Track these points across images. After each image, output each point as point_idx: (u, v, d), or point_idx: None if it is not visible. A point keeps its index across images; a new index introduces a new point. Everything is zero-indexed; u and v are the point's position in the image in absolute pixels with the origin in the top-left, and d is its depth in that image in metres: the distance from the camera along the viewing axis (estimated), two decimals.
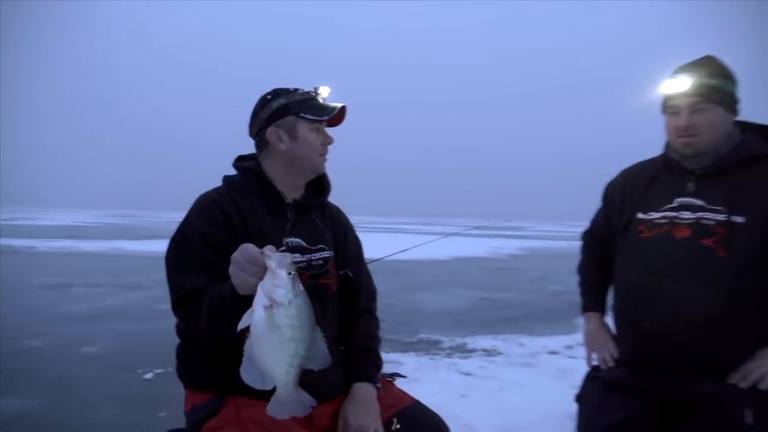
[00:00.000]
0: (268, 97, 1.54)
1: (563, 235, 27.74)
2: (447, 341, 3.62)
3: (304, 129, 1.49)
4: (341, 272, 1.58)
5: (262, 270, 1.10)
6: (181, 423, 1.72)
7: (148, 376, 2.69)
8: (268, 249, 1.10)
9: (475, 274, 8.14)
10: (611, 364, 1.81)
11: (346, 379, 1.55)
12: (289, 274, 1.08)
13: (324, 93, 1.56)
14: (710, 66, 1.58)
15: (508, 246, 15.74)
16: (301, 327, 1.09)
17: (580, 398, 1.84)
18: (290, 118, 1.49)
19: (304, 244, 1.52)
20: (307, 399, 1.15)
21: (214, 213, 1.44)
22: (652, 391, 1.65)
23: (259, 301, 1.08)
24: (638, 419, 1.62)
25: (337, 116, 1.54)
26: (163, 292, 4.65)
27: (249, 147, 1.61)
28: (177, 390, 2.49)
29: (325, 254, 1.55)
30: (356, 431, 1.45)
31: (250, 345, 1.10)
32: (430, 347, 3.45)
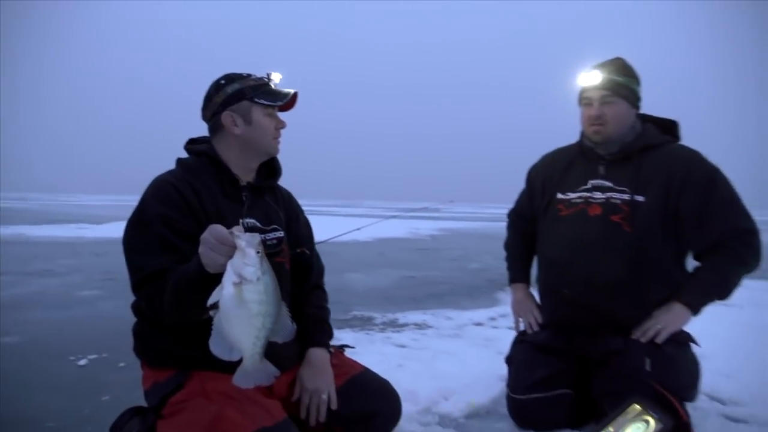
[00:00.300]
0: (222, 81, 1.59)
1: (478, 216, 28.86)
2: (379, 317, 3.79)
3: (258, 114, 1.57)
4: (299, 250, 1.69)
5: (231, 249, 1.16)
6: (124, 405, 1.76)
7: (83, 362, 2.61)
8: (237, 229, 1.18)
9: (398, 254, 8.38)
10: (536, 328, 2.05)
11: (301, 351, 1.67)
12: (258, 253, 1.15)
13: (276, 79, 1.65)
14: (618, 65, 1.84)
15: (426, 227, 16.19)
16: (269, 302, 1.17)
17: (509, 360, 2.07)
18: (245, 103, 1.56)
19: (258, 224, 1.61)
20: (271, 369, 1.25)
21: (171, 195, 1.49)
22: (572, 350, 1.91)
23: (229, 278, 1.16)
24: (560, 374, 1.87)
25: (289, 101, 1.62)
26: (79, 278, 4.53)
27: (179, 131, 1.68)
28: (116, 375, 2.49)
29: (279, 234, 1.65)
30: (312, 393, 1.58)
31: (218, 319, 1.17)
32: (364, 323, 3.60)
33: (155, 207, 1.48)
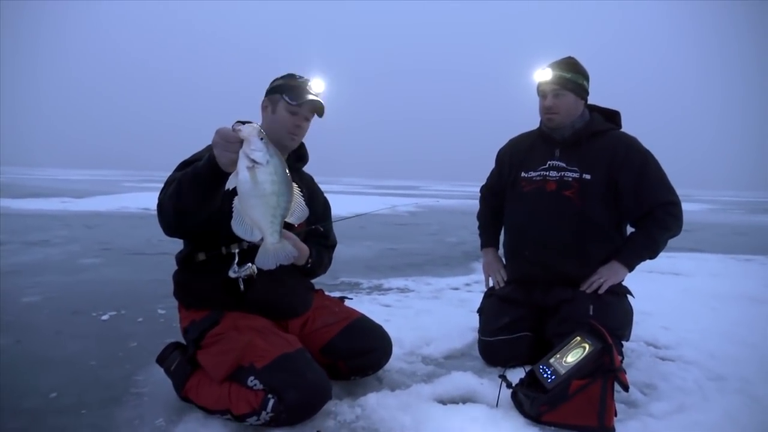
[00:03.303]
0: (278, 77, 1.90)
1: (456, 193, 29.33)
2: (365, 282, 4.16)
3: (282, 108, 1.84)
4: (314, 227, 2.01)
5: (238, 143, 1.30)
6: (151, 350, 2.12)
7: (105, 317, 2.91)
8: (236, 124, 1.34)
9: (379, 228, 8.73)
10: (502, 284, 2.44)
11: (311, 299, 2.03)
12: (262, 139, 1.30)
13: (315, 86, 1.85)
14: (567, 63, 2.21)
15: (405, 203, 16.58)
16: (280, 181, 1.31)
17: (480, 310, 2.46)
18: (277, 96, 1.86)
19: None
20: (289, 248, 1.39)
21: None
22: (531, 300, 2.30)
23: (242, 164, 1.29)
24: (522, 320, 2.27)
25: (315, 108, 1.84)
26: (77, 248, 4.94)
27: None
28: (137, 327, 2.83)
29: None
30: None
31: (238, 203, 1.31)
32: (352, 288, 3.97)
33: (201, 150, 1.77)
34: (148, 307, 3.14)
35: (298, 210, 1.37)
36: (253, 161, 1.27)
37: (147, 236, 6.38)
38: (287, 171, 1.34)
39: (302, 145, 2.02)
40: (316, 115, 1.89)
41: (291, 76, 1.86)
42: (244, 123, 1.92)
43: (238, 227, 1.32)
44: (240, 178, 1.27)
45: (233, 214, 1.32)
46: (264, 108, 1.88)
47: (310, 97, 1.81)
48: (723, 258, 6.24)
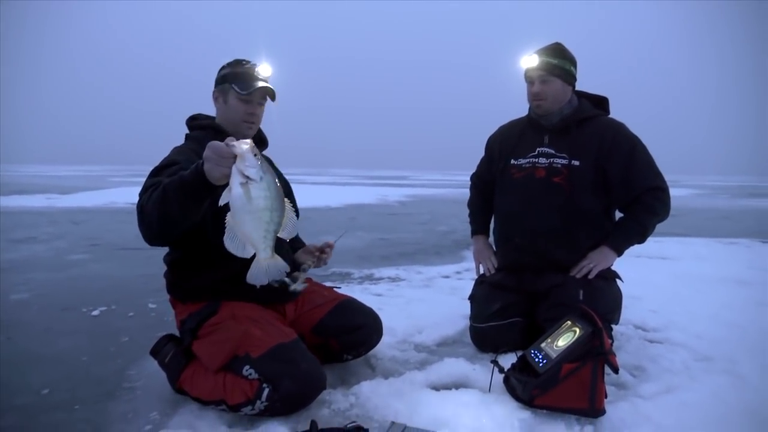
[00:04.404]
0: (225, 64, 1.89)
1: (445, 183, 29.36)
2: (356, 272, 4.17)
3: (233, 97, 1.83)
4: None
5: (232, 158, 1.30)
6: (143, 345, 2.11)
7: (95, 313, 2.90)
8: (230, 140, 1.33)
9: (369, 219, 8.73)
10: (493, 271, 2.45)
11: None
12: (255, 155, 1.30)
13: (262, 71, 1.84)
14: (554, 49, 2.21)
15: (395, 194, 16.62)
16: (273, 197, 1.31)
17: (471, 297, 2.48)
18: (226, 86, 1.85)
19: None
20: (281, 263, 1.39)
21: (185, 151, 1.78)
22: (522, 286, 2.31)
23: (236, 180, 1.27)
24: (513, 306, 2.29)
25: (267, 94, 1.83)
26: (64, 244, 4.89)
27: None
28: (128, 322, 2.82)
29: None
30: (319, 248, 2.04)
31: (231, 219, 1.32)
32: (343, 278, 3.97)
33: (170, 156, 1.77)
34: (138, 302, 3.12)
35: (290, 225, 1.38)
36: (247, 177, 1.27)
37: (135, 231, 6.14)
38: (280, 186, 1.34)
39: (260, 130, 1.99)
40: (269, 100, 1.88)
41: (237, 63, 1.84)
42: (197, 119, 1.89)
43: (230, 243, 1.32)
44: (233, 194, 1.28)
45: (226, 229, 1.32)
46: (215, 99, 1.87)
47: (260, 84, 1.80)
48: (709, 242, 6.33)
